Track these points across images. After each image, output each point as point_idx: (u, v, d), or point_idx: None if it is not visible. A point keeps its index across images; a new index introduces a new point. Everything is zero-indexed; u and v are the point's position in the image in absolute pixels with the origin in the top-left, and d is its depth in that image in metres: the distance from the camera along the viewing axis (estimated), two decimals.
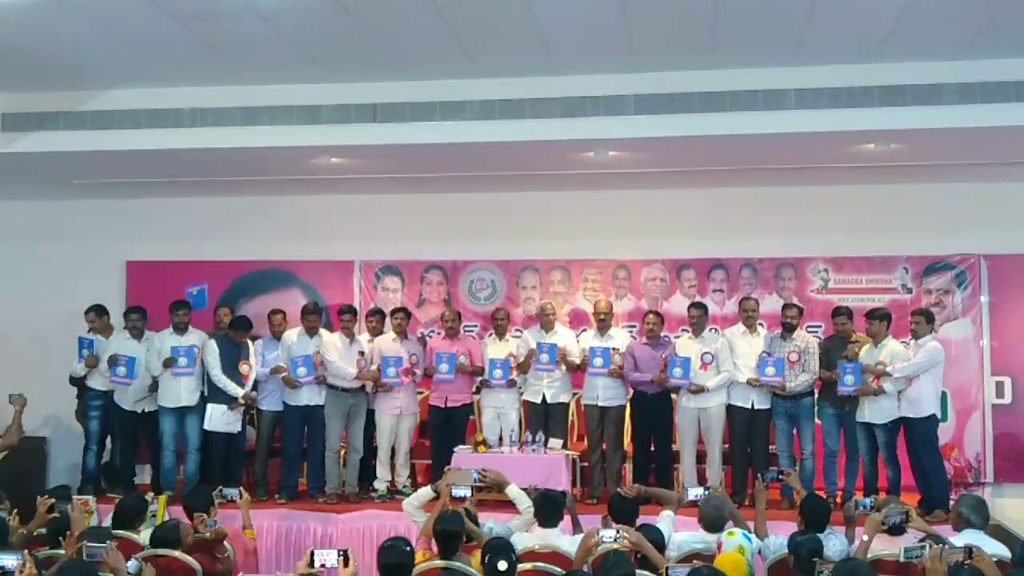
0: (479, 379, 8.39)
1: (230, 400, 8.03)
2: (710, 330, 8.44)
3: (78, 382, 8.49)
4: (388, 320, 8.48)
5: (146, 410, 8.27)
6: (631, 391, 8.20)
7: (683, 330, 8.72)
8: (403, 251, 9.52)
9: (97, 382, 8.34)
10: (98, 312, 8.54)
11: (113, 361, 8.07)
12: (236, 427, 8.18)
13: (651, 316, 8.21)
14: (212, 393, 8.09)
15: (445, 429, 8.21)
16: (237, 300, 9.45)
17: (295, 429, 8.23)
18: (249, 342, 8.33)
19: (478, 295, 9.51)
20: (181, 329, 8.26)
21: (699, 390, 7.89)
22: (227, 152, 7.76)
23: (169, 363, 8.08)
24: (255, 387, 8.24)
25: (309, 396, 8.19)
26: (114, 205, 9.67)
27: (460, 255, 9.49)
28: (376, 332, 8.49)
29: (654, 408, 8.06)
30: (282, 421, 8.33)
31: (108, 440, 8.44)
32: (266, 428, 8.36)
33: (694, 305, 8.30)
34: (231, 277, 9.66)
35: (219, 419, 8.06)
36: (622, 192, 9.07)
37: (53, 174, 8.59)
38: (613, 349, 8.07)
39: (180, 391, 8.10)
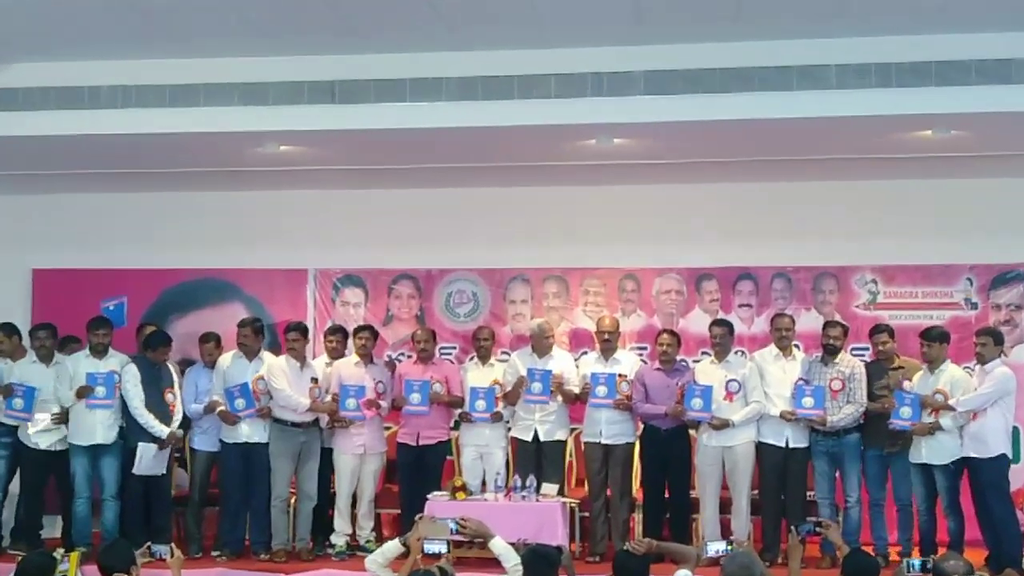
0: (458, 412, 8.45)
1: (157, 438, 8.09)
2: (736, 353, 8.46)
3: None
4: (353, 340, 8.54)
5: (57, 449, 8.29)
6: (641, 426, 8.24)
7: (703, 353, 8.77)
8: (367, 258, 9.57)
9: (3, 415, 8.36)
10: (6, 331, 8.58)
11: (7, 391, 8.13)
12: (161, 469, 8.22)
13: (665, 336, 8.27)
14: (131, 429, 8.13)
15: (417, 472, 8.25)
16: (165, 317, 9.52)
17: (234, 472, 8.27)
18: (171, 366, 8.40)
19: (457, 311, 9.57)
20: (99, 351, 8.28)
21: (722, 425, 7.94)
22: (154, 138, 7.85)
23: (83, 392, 8.11)
24: (184, 423, 8.31)
25: (250, 432, 8.25)
26: (18, 202, 9.72)
27: (435, 263, 9.54)
28: (337, 354, 8.57)
29: (668, 446, 8.10)
30: (219, 462, 8.41)
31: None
32: (200, 471, 8.42)
33: (717, 323, 8.35)
34: (157, 289, 9.72)
35: (150, 462, 8.09)
36: (629, 188, 9.17)
37: None
38: (619, 376, 8.13)
39: (95, 426, 8.12)
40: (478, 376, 8.42)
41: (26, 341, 8.60)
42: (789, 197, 9.09)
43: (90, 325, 8.35)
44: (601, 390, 8.10)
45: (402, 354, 9.33)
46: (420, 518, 6.55)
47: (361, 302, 9.64)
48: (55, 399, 8.21)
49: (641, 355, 8.84)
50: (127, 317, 9.55)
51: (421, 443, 8.33)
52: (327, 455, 8.37)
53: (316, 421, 8.32)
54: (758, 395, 8.02)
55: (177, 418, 8.23)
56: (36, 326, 8.59)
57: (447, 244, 9.47)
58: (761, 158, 8.40)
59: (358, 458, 8.30)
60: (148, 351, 8.29)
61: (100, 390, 8.11)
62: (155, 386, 8.18)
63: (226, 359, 8.41)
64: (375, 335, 8.61)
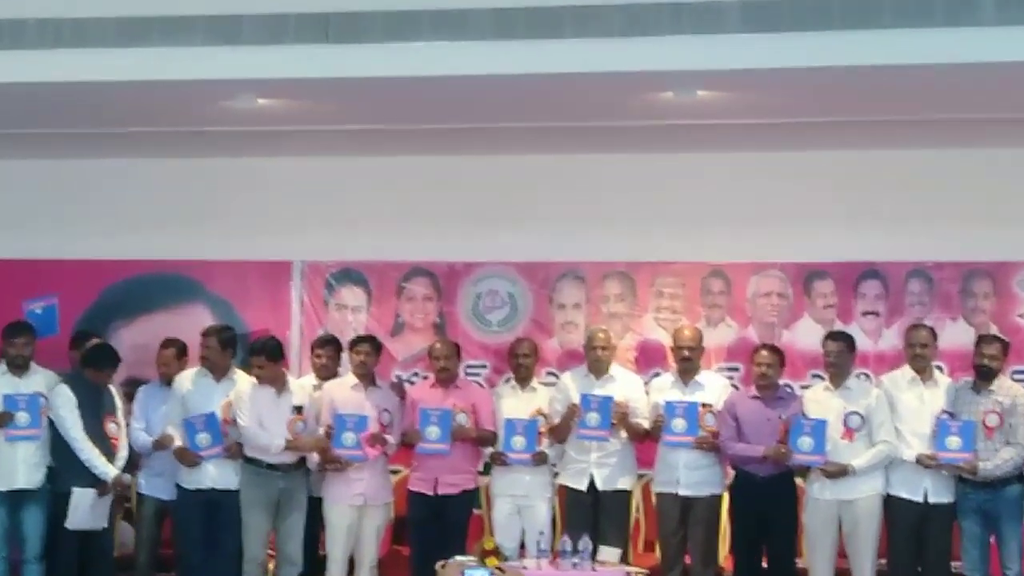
0: (489, 451, 8.41)
1: (97, 482, 8.06)
2: (857, 376, 8.44)
3: None
4: (348, 356, 8.51)
5: None
6: (731, 473, 8.21)
7: (815, 376, 8.73)
8: (370, 247, 9.62)
9: None
10: None
11: None
12: (102, 522, 8.20)
13: (764, 353, 8.24)
14: (63, 469, 8.09)
15: (434, 530, 8.20)
16: (107, 323, 9.59)
17: (194, 527, 8.24)
18: (113, 388, 8.38)
19: (488, 317, 9.57)
20: (19, 366, 8.27)
21: (839, 472, 7.88)
22: (94, 88, 7.82)
23: (1, 419, 8.09)
24: (129, 462, 8.28)
25: (217, 475, 8.22)
26: None
27: (460, 253, 9.59)
28: (328, 372, 8.54)
29: (767, 499, 8.05)
30: (174, 514, 8.36)
31: None
32: (149, 524, 8.40)
33: (833, 336, 8.31)
34: (97, 287, 9.80)
35: (87, 512, 8.05)
36: (717, 156, 9.16)
37: None
38: (703, 405, 8.11)
39: (16, 465, 8.10)
40: (515, 404, 8.42)
41: None
42: (930, 169, 9.06)
43: (6, 332, 8.34)
44: (678, 424, 8.08)
45: (415, 374, 9.32)
46: (443, 565, 6.52)
47: (362, 305, 9.69)
48: None
49: (731, 378, 8.85)
50: (58, 323, 9.61)
51: (440, 492, 8.29)
52: (315, 506, 8.33)
53: (302, 462, 8.27)
54: (887, 433, 7.96)
55: (122, 455, 8.22)
56: None
57: (475, 229, 9.51)
58: (894, 117, 8.31)
59: (356, 511, 8.25)
60: (89, 369, 8.27)
61: (22, 416, 8.12)
62: (94, 413, 8.15)
63: (185, 379, 8.39)
64: (378, 349, 8.60)
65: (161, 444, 8.26)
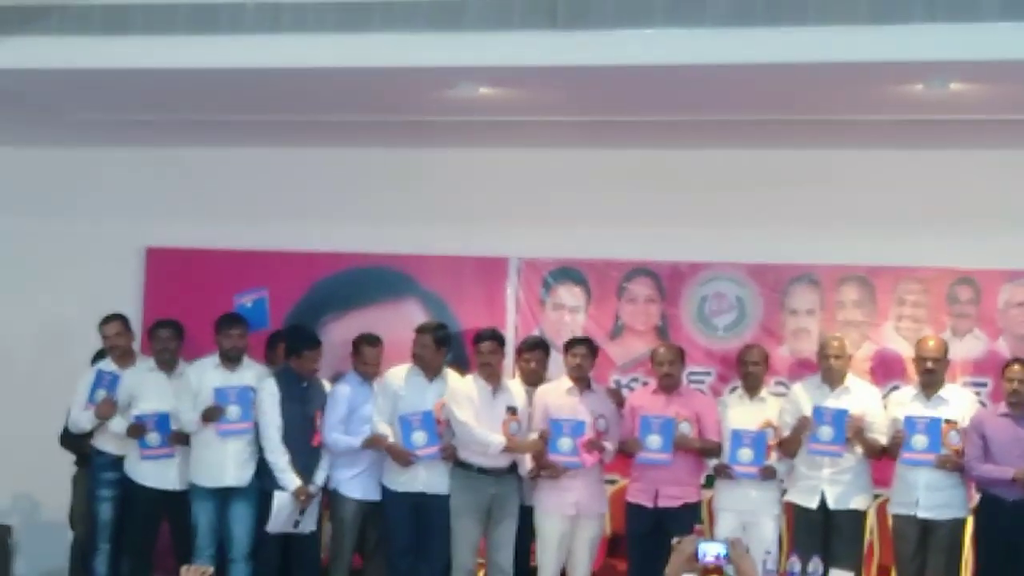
0: (713, 463, 8.43)
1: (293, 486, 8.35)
2: None
3: (78, 441, 8.91)
4: (563, 359, 8.61)
5: (175, 488, 8.62)
6: (976, 496, 8.11)
7: None
8: (589, 244, 9.68)
9: (111, 443, 8.72)
10: (124, 324, 8.95)
11: (139, 430, 8.48)
12: (310, 525, 8.47)
13: (1016, 368, 8.15)
14: (267, 470, 8.40)
15: (653, 544, 8.15)
16: (317, 318, 9.79)
17: (403, 531, 8.42)
18: (325, 382, 8.63)
19: (714, 322, 9.57)
20: (232, 360, 8.58)
21: None
22: (313, 75, 7.98)
23: (212, 414, 8.41)
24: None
25: (427, 478, 8.39)
26: (129, 158, 10.16)
27: (686, 253, 9.58)
28: (535, 378, 8.63)
29: (1017, 526, 7.96)
30: (376, 518, 8.54)
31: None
32: (349, 528, 8.55)
33: None
34: (307, 281, 10.01)
35: (287, 515, 8.32)
36: (967, 153, 9.04)
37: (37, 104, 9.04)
38: (947, 422, 8.06)
39: (225, 462, 8.43)
40: (743, 414, 8.45)
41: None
42: None
43: (220, 324, 8.65)
44: (919, 441, 8.05)
45: (634, 379, 9.36)
46: (678, 541, 6.71)
47: (581, 305, 9.74)
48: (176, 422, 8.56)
49: (979, 394, 8.74)
50: (269, 316, 9.86)
51: (660, 504, 8.35)
52: (526, 515, 8.45)
53: (514, 467, 8.39)
54: None
55: (323, 469, 8.51)
56: (157, 323, 8.92)
57: (702, 227, 9.50)
58: None
59: (569, 521, 8.36)
60: (292, 357, 8.53)
61: (233, 410, 8.41)
62: (299, 409, 8.41)
63: (398, 375, 8.56)
64: (595, 351, 8.69)
65: (373, 443, 8.41)
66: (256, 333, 9.21)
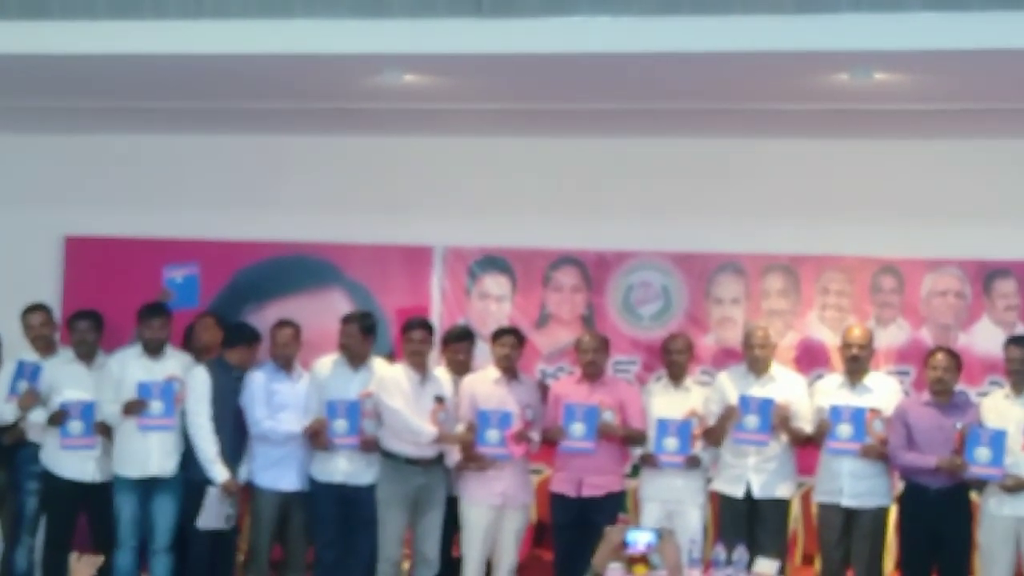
0: (638, 452, 8.45)
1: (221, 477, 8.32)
2: None
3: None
4: (490, 349, 8.60)
5: (94, 480, 8.53)
6: (900, 484, 8.17)
7: (993, 383, 8.66)
8: (516, 233, 9.69)
9: (33, 434, 8.62)
10: (47, 314, 8.87)
11: (60, 417, 8.37)
12: (233, 520, 8.45)
13: (939, 357, 8.18)
14: (193, 460, 8.35)
15: (577, 534, 8.21)
16: (240, 307, 9.75)
17: (328, 523, 8.40)
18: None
19: (640, 311, 9.59)
20: (153, 349, 8.51)
21: (1020, 486, 7.83)
22: (236, 62, 7.94)
23: (134, 408, 8.33)
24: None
25: (350, 469, 8.37)
26: (46, 146, 10.06)
27: (612, 242, 9.61)
28: (462, 368, 8.62)
29: (939, 514, 8.02)
30: (300, 509, 8.49)
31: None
32: (267, 520, 8.48)
33: (1016, 341, 8.23)
34: (230, 269, 9.97)
35: (217, 511, 8.30)
36: (891, 143, 9.13)
37: None
38: (871, 411, 8.10)
39: (149, 452, 8.37)
40: (667, 403, 8.45)
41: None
42: None
43: (141, 314, 8.58)
44: (844, 430, 8.07)
45: (560, 369, 9.39)
46: (609, 529, 6.86)
47: (506, 294, 9.77)
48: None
49: (903, 382, 8.76)
50: (198, 295, 9.81)
51: (584, 494, 8.36)
52: (451, 506, 8.45)
53: (440, 458, 8.38)
54: None
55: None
56: (76, 314, 8.80)
57: (628, 217, 9.51)
58: None
59: (495, 512, 8.36)
60: (226, 348, 8.52)
61: (156, 405, 8.34)
62: (230, 401, 8.37)
63: (325, 366, 8.53)
64: (522, 341, 8.67)
65: (313, 430, 8.33)
66: (184, 311, 9.24)
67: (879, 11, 7.20)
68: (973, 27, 7.07)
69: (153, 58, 7.86)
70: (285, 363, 8.51)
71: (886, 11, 7.19)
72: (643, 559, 7.84)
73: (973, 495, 8.08)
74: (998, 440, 7.78)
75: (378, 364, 8.54)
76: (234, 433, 8.39)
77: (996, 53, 7.20)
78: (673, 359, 8.53)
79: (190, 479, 8.35)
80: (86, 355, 8.57)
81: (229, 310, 9.57)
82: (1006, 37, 7.08)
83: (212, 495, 8.25)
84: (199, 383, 8.35)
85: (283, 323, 8.64)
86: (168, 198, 9.98)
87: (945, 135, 8.97)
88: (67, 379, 8.50)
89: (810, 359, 9.19)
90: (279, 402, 8.44)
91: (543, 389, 8.79)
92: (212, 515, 8.27)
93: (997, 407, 8.03)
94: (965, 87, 7.96)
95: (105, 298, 9.20)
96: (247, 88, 8.64)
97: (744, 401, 8.16)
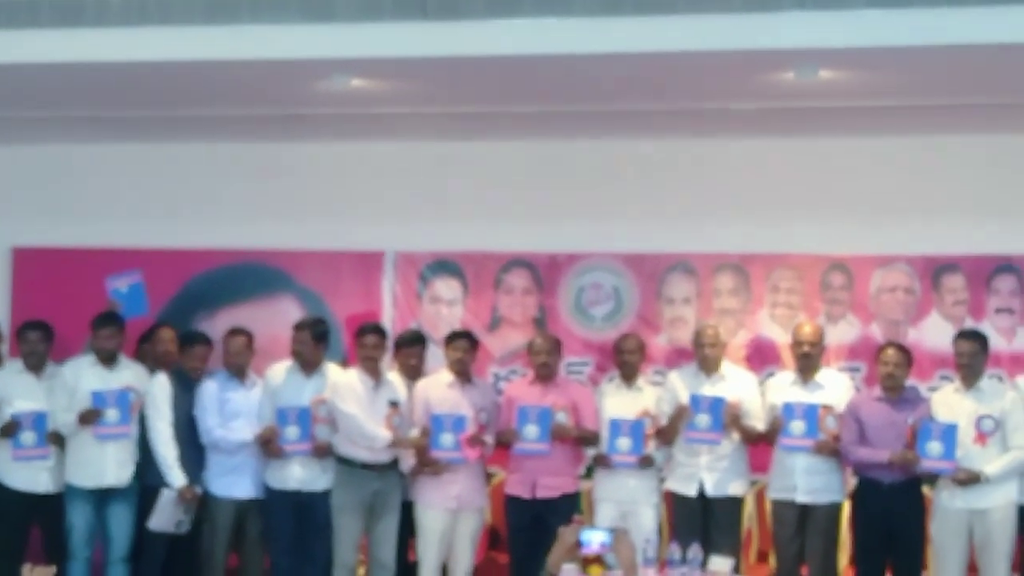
0: (591, 453, 8.47)
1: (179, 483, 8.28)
2: (991, 378, 8.38)
3: None
4: (444, 352, 8.61)
5: (47, 491, 8.46)
6: (853, 479, 8.22)
7: (943, 377, 8.73)
8: (466, 237, 9.68)
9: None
10: None
11: (11, 428, 8.30)
12: (186, 526, 8.39)
13: (889, 352, 8.23)
14: (149, 467, 8.32)
15: (532, 536, 8.23)
16: (191, 315, 9.70)
17: (284, 530, 8.37)
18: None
19: (591, 312, 9.61)
20: (107, 358, 8.46)
21: (971, 479, 7.86)
22: (181, 68, 7.91)
23: (89, 417, 8.28)
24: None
25: (305, 476, 8.35)
26: None
27: (562, 244, 9.62)
28: (415, 373, 8.62)
29: (892, 508, 8.06)
30: (255, 517, 8.46)
31: None
32: (222, 528, 8.45)
33: (964, 335, 8.28)
34: (180, 278, 9.94)
35: (170, 513, 8.26)
36: (840, 141, 9.18)
37: None
38: (823, 407, 8.14)
39: (105, 460, 8.32)
40: (620, 403, 8.47)
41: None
42: None
43: (93, 324, 8.52)
44: (796, 427, 8.11)
45: (513, 372, 9.40)
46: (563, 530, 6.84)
47: (458, 298, 9.76)
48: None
49: (854, 378, 8.80)
50: (147, 303, 9.78)
51: (538, 496, 8.38)
52: (407, 511, 8.44)
53: (395, 463, 8.38)
54: (1022, 438, 7.92)
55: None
56: (26, 325, 8.73)
57: (579, 219, 9.53)
58: None
59: (451, 515, 8.37)
60: (183, 355, 8.49)
61: (111, 414, 8.29)
62: (189, 409, 8.36)
63: (278, 373, 8.51)
64: (476, 345, 8.67)
65: (265, 437, 8.32)
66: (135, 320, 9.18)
67: (823, 9, 7.23)
68: (917, 23, 7.13)
69: (97, 66, 7.84)
70: (238, 371, 8.48)
71: (830, 8, 7.23)
72: (598, 559, 7.86)
73: (925, 489, 8.13)
74: (949, 434, 7.83)
75: (332, 370, 8.53)
76: (192, 441, 8.35)
77: (940, 49, 7.25)
78: (625, 359, 8.54)
79: (146, 487, 8.31)
80: (36, 366, 8.50)
81: (180, 318, 9.51)
82: (949, 33, 7.13)
83: (165, 497, 8.21)
84: (160, 389, 8.34)
85: (235, 331, 8.61)
86: (116, 207, 9.94)
87: (891, 132, 9.04)
88: (18, 390, 8.43)
89: (761, 357, 9.22)
90: (232, 410, 8.41)
91: (498, 391, 8.90)
92: (164, 517, 8.24)
93: (948, 401, 8.06)
94: (910, 83, 8.01)
95: (54, 309, 9.13)
96: (194, 95, 8.61)
97: (695, 400, 8.17)
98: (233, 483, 8.41)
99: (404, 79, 8.18)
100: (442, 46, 7.54)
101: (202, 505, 8.43)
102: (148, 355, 8.84)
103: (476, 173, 9.61)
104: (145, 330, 9.13)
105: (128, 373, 8.48)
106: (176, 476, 8.25)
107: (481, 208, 9.62)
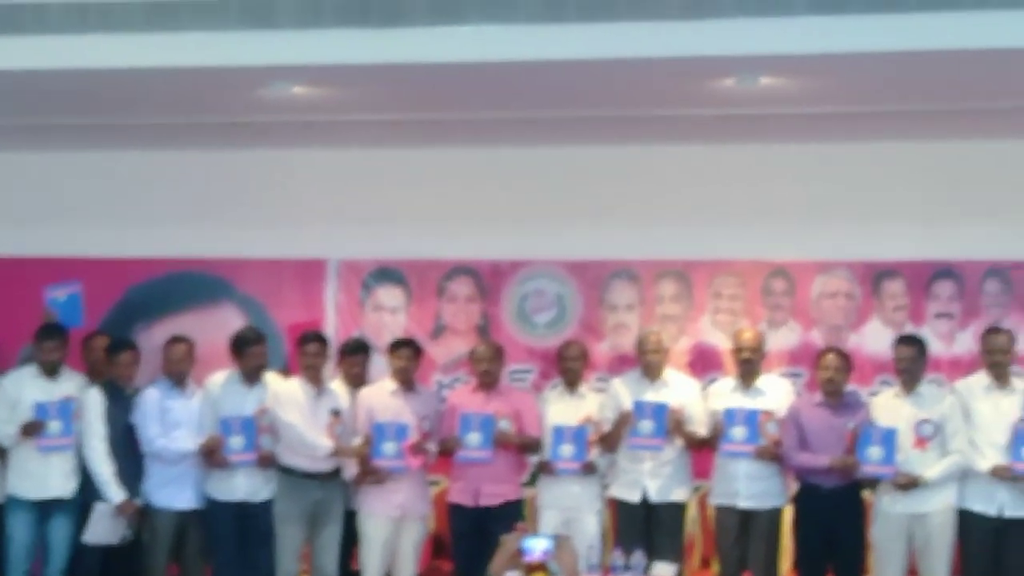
0: (535, 460, 8.49)
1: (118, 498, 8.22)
2: (930, 382, 8.38)
3: None
4: (387, 360, 8.57)
5: None
6: (794, 484, 8.26)
7: (884, 383, 8.80)
8: (409, 245, 9.68)
9: None
10: None
11: None
12: (126, 537, 8.33)
13: (830, 357, 8.26)
14: (88, 481, 8.26)
15: (476, 544, 8.20)
16: (131, 325, 9.66)
17: (227, 542, 8.33)
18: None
19: (534, 319, 9.63)
20: (50, 370, 8.41)
21: (910, 483, 7.92)
22: (120, 76, 7.87)
23: (32, 429, 8.23)
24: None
25: (249, 487, 8.30)
26: None
27: (505, 252, 9.65)
28: (358, 381, 8.61)
29: (833, 513, 8.09)
30: (196, 528, 8.40)
31: None
32: (163, 540, 8.37)
33: (904, 340, 8.33)
34: (120, 287, 9.88)
35: (105, 526, 8.20)
36: (781, 148, 9.22)
37: None
38: (764, 412, 8.15)
39: (50, 471, 8.26)
40: (563, 410, 8.47)
41: None
42: (1010, 161, 9.09)
43: (37, 335, 8.47)
44: (738, 432, 8.12)
45: (457, 379, 9.40)
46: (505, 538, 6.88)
47: (401, 306, 9.75)
48: None
49: (795, 384, 8.84)
50: (82, 314, 9.68)
51: (482, 503, 8.37)
52: (350, 520, 8.42)
53: (338, 471, 8.36)
54: (961, 443, 7.98)
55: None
56: None
57: (522, 226, 9.56)
58: (972, 106, 8.31)
59: (394, 524, 8.34)
60: (111, 362, 8.40)
61: (54, 425, 8.22)
62: (124, 420, 8.28)
63: (217, 382, 8.46)
64: (419, 353, 8.63)
65: (209, 447, 8.26)
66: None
67: (764, 15, 7.26)
68: (857, 30, 7.17)
69: (35, 73, 7.78)
70: (179, 380, 8.41)
71: (770, 15, 7.25)
72: (541, 566, 7.86)
73: (866, 493, 8.17)
74: (889, 438, 7.86)
75: (272, 379, 8.49)
76: (130, 452, 8.28)
77: (879, 56, 7.30)
78: (568, 366, 8.54)
79: (87, 501, 8.22)
80: None
81: (120, 328, 9.45)
82: (888, 40, 7.19)
83: (99, 510, 8.15)
84: (93, 404, 8.25)
85: (176, 339, 8.54)
86: (55, 216, 9.87)
87: (832, 138, 9.10)
88: None
89: (704, 363, 9.26)
90: (173, 419, 8.34)
91: (441, 399, 8.88)
92: (99, 531, 8.17)
93: (888, 406, 8.12)
94: (850, 90, 8.06)
95: None
96: (134, 102, 8.56)
97: (638, 406, 8.17)
98: (174, 494, 8.33)
99: (346, 86, 8.17)
100: (384, 53, 7.53)
101: (142, 516, 8.36)
102: (83, 364, 8.77)
103: (419, 181, 9.60)
104: (81, 340, 9.04)
105: (70, 384, 8.41)
106: (114, 492, 8.18)
107: (424, 216, 9.60)
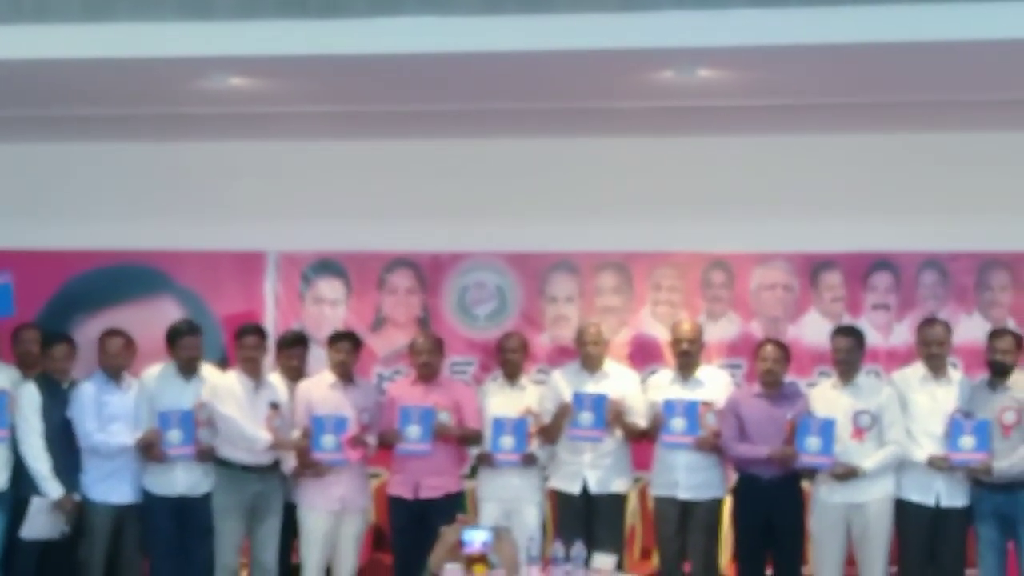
0: (475, 452, 8.49)
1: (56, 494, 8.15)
2: (867, 373, 8.49)
3: None
4: (326, 353, 8.56)
5: None
6: (733, 475, 8.29)
7: (822, 373, 8.81)
8: (349, 237, 9.66)
9: None
10: None
11: None
12: (57, 530, 8.24)
13: (768, 348, 8.30)
14: (23, 475, 8.18)
15: (416, 536, 8.18)
16: (69, 318, 9.59)
17: (165, 536, 8.30)
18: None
19: (475, 311, 9.65)
20: None
21: (848, 474, 7.95)
22: (56, 67, 7.81)
23: None
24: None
25: (189, 481, 8.27)
26: None
27: (445, 244, 9.65)
28: (296, 374, 8.59)
29: (772, 503, 8.13)
30: (133, 522, 8.35)
31: None
32: (100, 535, 8.31)
33: (841, 331, 8.37)
34: (57, 280, 9.82)
35: (44, 521, 8.14)
36: (719, 140, 9.24)
37: None
38: (703, 403, 8.19)
39: None
40: (503, 402, 8.49)
41: None
42: (946, 154, 9.13)
43: None
44: (677, 423, 8.15)
45: (397, 372, 9.39)
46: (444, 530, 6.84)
47: (341, 298, 9.75)
48: None
49: (734, 375, 8.89)
50: (13, 304, 9.44)
51: (422, 496, 8.37)
52: (290, 513, 8.40)
53: (276, 464, 8.33)
54: (898, 433, 8.03)
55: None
56: None
57: (462, 218, 9.56)
58: (907, 99, 8.37)
59: (334, 517, 8.33)
60: (47, 356, 8.33)
61: None
62: (61, 414, 8.21)
63: (152, 375, 8.42)
64: (359, 346, 8.63)
65: (147, 441, 8.22)
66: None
67: (702, 8, 7.27)
68: (795, 23, 7.20)
69: None
70: (115, 373, 8.36)
71: (708, 8, 7.26)
72: (482, 558, 7.87)
73: (805, 484, 8.20)
74: (827, 429, 7.90)
75: (209, 372, 8.45)
76: (67, 447, 8.21)
77: (817, 48, 7.32)
78: (508, 358, 8.56)
79: (21, 495, 8.14)
80: None
81: (58, 321, 9.40)
82: (827, 32, 7.20)
83: (36, 505, 8.08)
84: (28, 399, 8.18)
85: (112, 332, 8.49)
86: None
87: (770, 130, 9.14)
88: None
89: (644, 355, 9.29)
90: (110, 414, 8.29)
91: (381, 391, 8.87)
92: (36, 526, 8.11)
93: (826, 396, 8.15)
94: (788, 83, 8.08)
95: None
96: (69, 93, 8.49)
97: (578, 398, 8.19)
98: (111, 488, 8.28)
99: (284, 77, 8.12)
100: (323, 44, 7.51)
101: (79, 511, 8.30)
102: (12, 356, 8.68)
103: (358, 173, 9.61)
104: (11, 332, 8.93)
105: (2, 376, 8.32)
106: (52, 487, 8.11)
107: (364, 208, 9.59)
